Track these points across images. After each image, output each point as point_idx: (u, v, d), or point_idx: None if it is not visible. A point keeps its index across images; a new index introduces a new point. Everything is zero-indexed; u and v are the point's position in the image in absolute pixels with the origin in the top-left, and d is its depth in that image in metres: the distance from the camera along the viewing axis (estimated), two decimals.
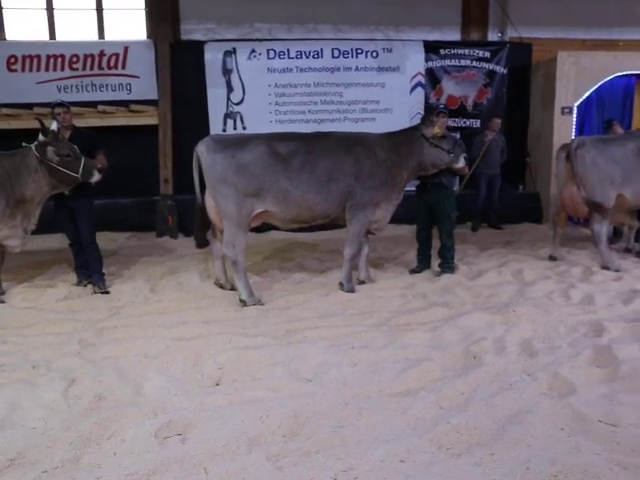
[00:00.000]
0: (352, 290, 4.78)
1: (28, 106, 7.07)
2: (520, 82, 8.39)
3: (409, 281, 5.14)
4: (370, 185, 4.66)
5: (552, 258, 5.97)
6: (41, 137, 4.43)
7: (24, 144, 4.52)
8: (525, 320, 4.04)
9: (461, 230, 7.60)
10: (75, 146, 4.65)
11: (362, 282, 5.05)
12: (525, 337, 3.73)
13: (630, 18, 8.51)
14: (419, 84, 8.11)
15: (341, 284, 4.81)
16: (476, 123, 8.21)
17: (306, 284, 5.11)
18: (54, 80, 7.39)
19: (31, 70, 7.34)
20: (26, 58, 7.32)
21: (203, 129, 7.47)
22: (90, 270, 4.99)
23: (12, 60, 7.32)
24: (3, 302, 4.63)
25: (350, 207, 4.68)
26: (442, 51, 8.09)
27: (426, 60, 8.08)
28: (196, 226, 4.71)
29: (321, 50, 7.85)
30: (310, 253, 6.47)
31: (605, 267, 5.59)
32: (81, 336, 3.85)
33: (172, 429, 2.64)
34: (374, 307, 4.45)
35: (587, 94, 7.70)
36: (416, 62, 8.03)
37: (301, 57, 7.83)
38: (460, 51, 8.12)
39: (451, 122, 8.23)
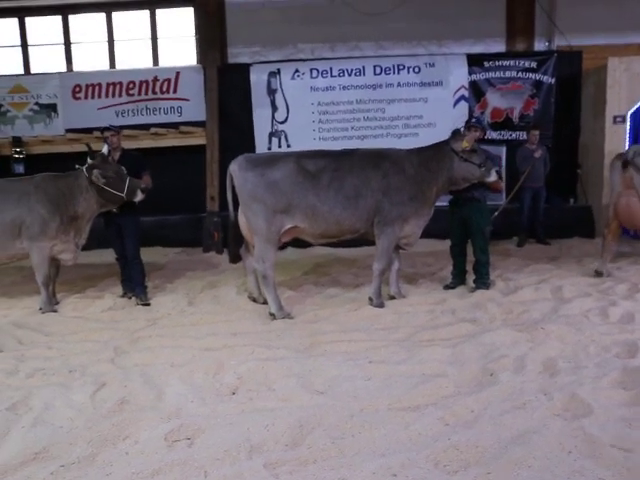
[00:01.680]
0: (381, 305, 4.80)
1: (89, 130, 7.64)
2: (570, 91, 8.12)
3: (440, 297, 5.09)
4: (398, 200, 4.69)
5: (598, 274, 5.72)
6: (90, 160, 4.82)
7: (77, 166, 4.93)
8: (553, 338, 3.91)
9: (507, 245, 7.42)
10: (122, 167, 5.01)
11: (392, 297, 5.05)
12: (550, 356, 3.61)
13: None
14: (462, 98, 8.04)
15: (370, 299, 4.85)
16: (523, 135, 8.00)
17: (337, 299, 5.19)
18: (113, 105, 7.96)
19: (93, 97, 7.96)
20: (89, 87, 7.94)
21: (249, 148, 7.77)
22: (134, 283, 5.31)
23: (77, 89, 7.96)
24: (55, 311, 5.03)
25: (378, 222, 4.73)
26: (486, 63, 8.00)
27: (469, 73, 8.01)
28: (230, 242, 4.91)
29: (363, 68, 7.97)
30: (347, 268, 6.53)
31: None
32: (117, 344, 4.11)
33: (182, 433, 2.78)
34: (400, 322, 4.45)
35: None
36: (459, 76, 7.98)
37: (343, 75, 7.99)
38: (505, 62, 8.00)
39: (497, 135, 8.15)
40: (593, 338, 3.93)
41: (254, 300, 5.07)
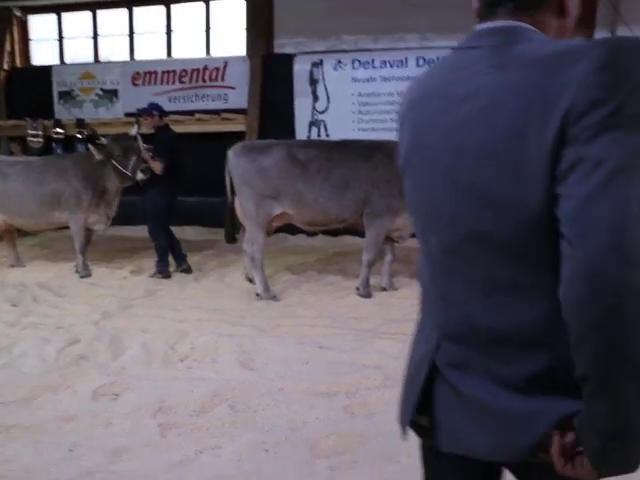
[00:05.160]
0: (368, 295, 4.83)
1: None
2: None
3: None
4: (388, 192, 4.67)
5: None
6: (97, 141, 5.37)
7: (89, 146, 5.50)
8: None
9: None
10: (141, 147, 5.48)
11: (384, 289, 5.05)
12: None
13: None
14: None
15: (357, 288, 4.88)
16: None
17: (333, 286, 5.27)
18: (166, 92, 8.51)
19: (149, 84, 8.56)
20: (146, 74, 8.55)
21: (288, 136, 7.96)
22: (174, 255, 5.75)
23: (136, 76, 8.61)
24: (90, 276, 5.60)
25: (367, 214, 4.74)
26: None
27: None
28: (226, 223, 5.16)
29: (405, 59, 7.86)
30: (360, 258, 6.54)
31: None
32: (109, 309, 4.53)
33: (112, 389, 3.08)
34: (376, 313, 4.46)
35: None
36: None
37: (385, 67, 7.93)
38: None
39: None
40: None
41: (250, 280, 5.29)
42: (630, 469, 0.83)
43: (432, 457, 1.13)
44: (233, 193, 5.00)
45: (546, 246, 0.85)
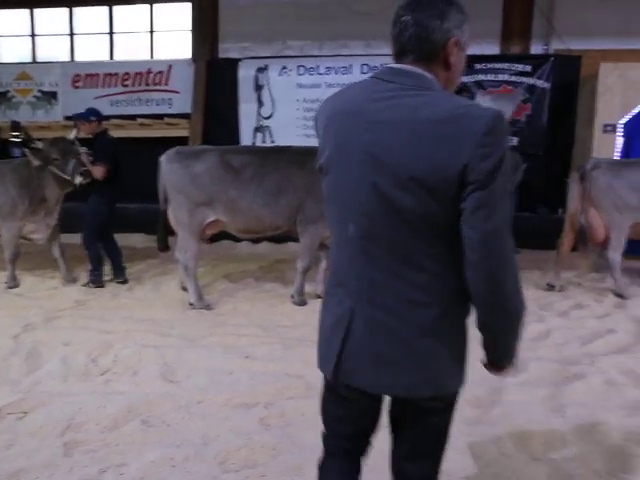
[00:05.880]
0: (302, 303, 4.82)
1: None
2: (567, 97, 7.74)
3: None
4: (322, 199, 4.65)
5: (550, 286, 5.50)
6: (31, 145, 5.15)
7: (24, 150, 5.25)
8: None
9: None
10: (80, 150, 5.31)
11: (319, 296, 5.05)
12: None
13: None
14: None
15: (292, 296, 4.87)
16: (513, 140, 7.71)
17: (269, 294, 5.24)
18: (108, 95, 8.32)
19: (90, 87, 8.33)
20: (87, 76, 8.33)
21: (233, 142, 7.93)
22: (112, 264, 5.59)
23: (77, 78, 8.37)
24: (17, 287, 5.36)
25: (301, 220, 4.74)
26: (477, 65, 7.76)
27: None
28: (158, 231, 5.06)
29: (350, 66, 7.94)
30: None
31: (619, 295, 5.26)
32: (32, 321, 4.35)
33: (21, 407, 2.94)
34: (307, 321, 4.43)
35: (636, 110, 6.89)
36: None
37: (330, 73, 7.98)
38: (497, 65, 7.73)
39: None
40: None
41: (185, 289, 5.20)
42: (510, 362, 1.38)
43: (334, 394, 1.52)
44: (166, 200, 4.91)
45: (445, 233, 1.25)
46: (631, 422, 2.85)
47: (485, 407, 2.99)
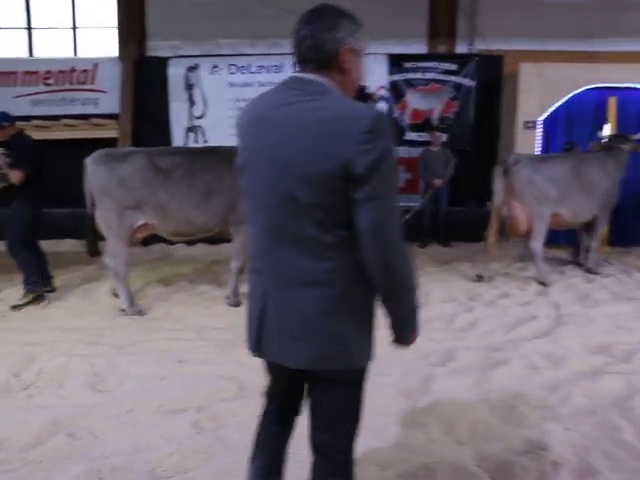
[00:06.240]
0: (237, 304, 4.79)
1: None
2: (491, 95, 8.09)
3: None
4: None
5: (479, 277, 5.74)
6: None
7: None
8: (379, 344, 3.88)
9: (410, 247, 7.41)
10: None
11: None
12: None
13: (612, 29, 8.02)
14: (382, 98, 8.00)
15: (227, 297, 4.83)
16: (442, 137, 7.97)
17: (203, 296, 5.17)
18: (29, 95, 7.89)
19: (9, 85, 7.88)
20: (4, 75, 7.87)
21: (165, 142, 7.75)
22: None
23: None
24: None
25: (234, 221, 4.71)
26: (406, 64, 7.96)
27: (390, 73, 7.97)
28: (87, 235, 4.88)
29: (282, 64, 7.93)
30: None
31: (542, 283, 5.55)
32: None
33: None
34: (242, 322, 4.41)
35: (553, 108, 7.31)
36: (379, 75, 7.94)
37: (262, 72, 7.95)
38: (426, 64, 7.97)
39: (416, 136, 8.12)
40: (418, 344, 3.89)
41: (116, 295, 5.04)
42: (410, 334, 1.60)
43: (268, 367, 1.72)
44: (93, 204, 4.73)
45: (342, 222, 1.41)
46: (548, 402, 3.04)
47: (415, 397, 3.09)
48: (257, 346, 1.60)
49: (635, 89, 7.32)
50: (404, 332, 1.59)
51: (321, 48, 1.46)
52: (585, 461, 2.46)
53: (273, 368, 1.70)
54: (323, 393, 1.60)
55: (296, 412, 1.82)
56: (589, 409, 2.96)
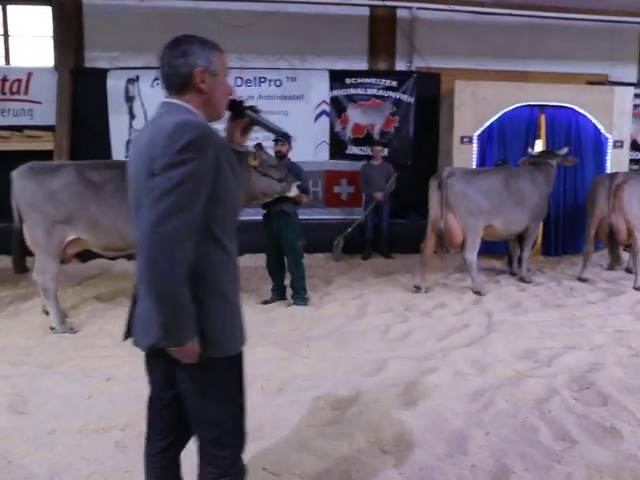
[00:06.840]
0: None
1: None
2: (429, 111, 8.37)
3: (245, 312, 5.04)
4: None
5: (417, 288, 5.88)
6: None
7: None
8: (313, 355, 3.93)
9: (352, 259, 7.54)
10: None
11: None
12: (296, 373, 3.63)
13: (541, 50, 8.49)
14: (324, 112, 8.14)
15: None
16: (383, 151, 8.16)
17: None
18: None
19: None
20: None
21: (104, 155, 7.57)
22: None
23: None
24: None
25: None
26: (348, 80, 8.14)
27: (331, 89, 8.13)
28: (14, 252, 4.70)
29: None
30: None
31: (477, 292, 5.73)
32: None
33: None
34: None
35: (487, 124, 7.63)
36: (321, 90, 8.08)
37: None
38: (366, 80, 8.17)
39: (358, 150, 8.28)
40: (353, 355, 3.98)
41: (47, 313, 4.86)
42: (176, 342, 1.56)
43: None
44: (21, 219, 4.57)
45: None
46: (472, 407, 3.14)
47: (344, 408, 3.12)
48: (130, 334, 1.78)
49: (563, 107, 7.75)
50: (166, 335, 1.56)
51: (176, 73, 1.61)
52: (501, 463, 2.55)
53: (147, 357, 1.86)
54: (178, 382, 1.77)
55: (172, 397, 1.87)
56: (510, 413, 3.08)
